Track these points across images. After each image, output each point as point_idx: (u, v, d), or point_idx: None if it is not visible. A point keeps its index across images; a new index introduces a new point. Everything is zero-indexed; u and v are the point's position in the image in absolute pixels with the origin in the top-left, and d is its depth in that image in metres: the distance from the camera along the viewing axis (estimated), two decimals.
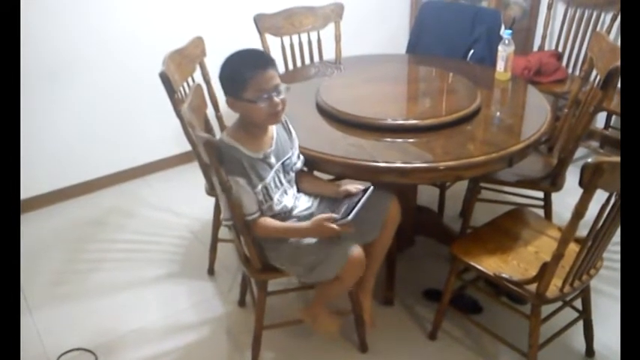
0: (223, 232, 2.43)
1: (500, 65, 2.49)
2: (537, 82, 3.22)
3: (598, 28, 3.32)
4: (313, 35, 2.88)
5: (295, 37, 2.84)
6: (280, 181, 1.84)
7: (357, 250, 1.76)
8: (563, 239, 1.61)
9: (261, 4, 2.90)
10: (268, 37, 2.75)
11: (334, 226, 1.71)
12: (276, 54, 2.75)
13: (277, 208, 1.82)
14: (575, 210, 1.53)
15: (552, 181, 2.28)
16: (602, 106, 2.20)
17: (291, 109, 2.27)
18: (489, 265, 1.86)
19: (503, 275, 1.79)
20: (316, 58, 2.90)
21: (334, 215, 1.74)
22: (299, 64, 2.86)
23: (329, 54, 2.92)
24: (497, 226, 2.06)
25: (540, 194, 2.41)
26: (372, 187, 1.82)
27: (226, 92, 1.72)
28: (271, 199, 1.80)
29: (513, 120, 2.20)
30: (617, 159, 1.43)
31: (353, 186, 1.88)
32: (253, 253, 1.82)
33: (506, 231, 2.03)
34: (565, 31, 3.48)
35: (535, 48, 3.76)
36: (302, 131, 2.02)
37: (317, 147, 1.93)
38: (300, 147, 1.94)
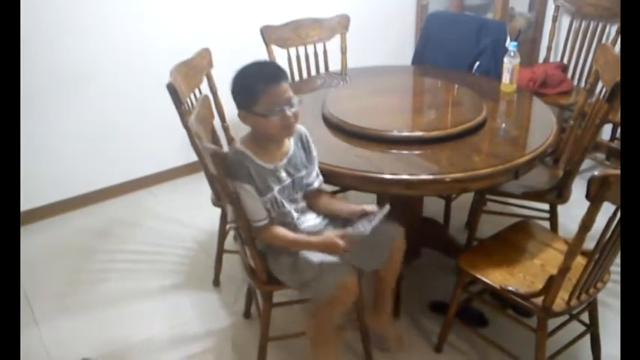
0: (229, 243, 2.43)
1: (505, 77, 2.49)
2: (543, 93, 3.22)
3: (603, 40, 3.32)
4: (319, 47, 2.90)
5: (302, 49, 2.86)
6: (290, 197, 1.83)
7: (349, 278, 1.74)
8: (570, 252, 1.61)
9: (267, 15, 2.92)
10: (275, 48, 2.77)
11: (341, 242, 1.71)
12: (282, 65, 2.77)
13: (287, 219, 1.82)
14: (582, 223, 1.53)
15: (558, 193, 2.27)
16: (608, 119, 2.20)
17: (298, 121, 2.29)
18: (495, 277, 1.85)
19: (510, 288, 1.78)
20: (322, 70, 2.92)
21: (348, 230, 1.74)
22: (305, 75, 2.87)
23: (335, 65, 2.94)
24: (503, 238, 2.06)
25: (546, 206, 2.40)
26: (388, 206, 1.79)
27: (238, 105, 1.71)
28: (279, 207, 1.79)
29: (519, 132, 2.21)
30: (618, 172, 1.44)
31: (369, 205, 1.84)
32: (258, 264, 1.82)
33: (512, 243, 2.03)
34: (570, 42, 3.49)
35: (540, 60, 3.76)
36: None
37: (323, 158, 1.93)
38: None
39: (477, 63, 2.88)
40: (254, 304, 2.24)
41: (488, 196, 2.40)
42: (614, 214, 1.54)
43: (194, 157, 2.07)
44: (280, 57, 2.76)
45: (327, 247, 1.75)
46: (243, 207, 1.73)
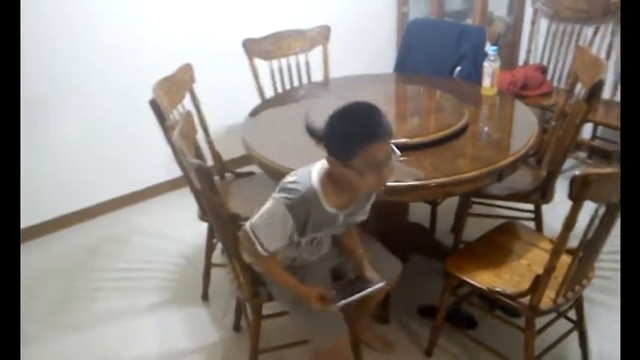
0: (217, 257, 2.43)
1: (486, 81, 2.52)
2: (524, 96, 3.26)
3: (581, 42, 3.38)
4: (301, 58, 2.92)
5: (284, 60, 2.88)
6: (328, 238, 1.79)
7: (341, 342, 1.74)
8: (555, 251, 1.63)
9: (248, 28, 2.94)
10: (257, 61, 2.79)
11: (317, 305, 1.65)
12: (265, 77, 2.80)
13: (300, 254, 1.76)
14: (565, 222, 1.55)
15: (542, 193, 2.30)
16: (588, 118, 2.24)
17: (281, 131, 2.31)
18: (483, 279, 1.86)
19: (497, 289, 1.80)
20: (305, 80, 2.94)
21: (329, 293, 1.67)
22: (288, 86, 2.89)
23: (318, 76, 2.96)
24: (489, 240, 2.07)
25: (531, 207, 2.43)
26: (381, 284, 1.73)
27: (330, 152, 1.50)
28: (311, 245, 1.73)
29: (501, 134, 2.23)
30: (605, 170, 1.46)
31: (372, 273, 1.78)
32: (246, 278, 1.82)
33: (498, 245, 2.05)
34: (549, 45, 3.54)
35: (520, 62, 3.81)
36: (292, 153, 2.03)
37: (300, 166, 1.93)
38: (284, 167, 1.94)
39: (458, 68, 2.91)
40: (243, 317, 2.23)
41: (473, 199, 2.43)
42: (596, 211, 1.57)
43: (179, 173, 2.07)
44: (263, 69, 2.78)
45: (308, 300, 1.67)
46: (260, 225, 1.58)
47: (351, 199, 1.63)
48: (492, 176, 1.93)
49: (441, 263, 2.02)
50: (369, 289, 1.70)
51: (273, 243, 1.60)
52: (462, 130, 2.15)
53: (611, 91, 3.31)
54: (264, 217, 1.57)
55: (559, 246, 1.61)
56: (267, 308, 1.94)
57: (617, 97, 3.31)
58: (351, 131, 1.45)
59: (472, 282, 1.86)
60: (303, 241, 1.67)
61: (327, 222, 1.63)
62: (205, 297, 2.54)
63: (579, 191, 1.46)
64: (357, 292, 1.68)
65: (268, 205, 1.56)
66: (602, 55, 3.28)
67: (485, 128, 2.30)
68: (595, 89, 2.07)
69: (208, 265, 2.48)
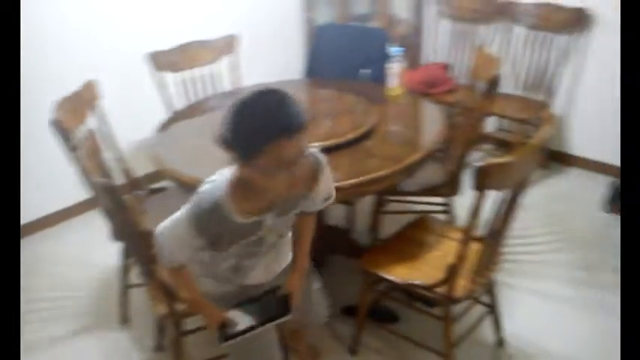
0: (133, 277, 2.36)
1: (392, 81, 2.60)
2: (429, 93, 3.39)
3: (478, 40, 3.56)
4: (210, 68, 2.89)
5: (193, 71, 2.84)
6: (258, 246, 1.50)
7: None
8: (464, 240, 1.70)
9: (154, 40, 2.88)
10: (165, 73, 2.74)
11: (214, 333, 1.52)
12: (175, 89, 2.75)
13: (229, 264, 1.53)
14: (471, 211, 1.62)
15: (451, 186, 2.40)
16: (489, 112, 2.36)
17: (192, 144, 2.27)
18: (399, 274, 1.91)
19: (413, 282, 1.86)
20: (216, 90, 2.91)
21: (234, 322, 1.52)
22: (199, 97, 2.85)
23: (228, 85, 2.94)
24: (403, 235, 2.13)
25: (443, 200, 2.53)
26: (288, 317, 1.58)
27: (231, 151, 1.28)
28: (237, 260, 1.52)
29: (410, 132, 2.31)
30: (503, 159, 1.54)
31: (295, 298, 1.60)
32: (164, 294, 1.77)
33: (412, 239, 2.11)
34: (450, 43, 3.71)
35: (425, 62, 3.96)
36: (205, 165, 2.01)
37: None
38: (200, 180, 1.91)
39: (365, 70, 2.98)
40: (166, 335, 2.18)
41: (388, 197, 2.49)
42: (500, 199, 1.66)
43: (87, 194, 1.99)
44: (172, 81, 2.74)
45: (205, 317, 1.56)
46: (165, 235, 1.42)
47: (271, 201, 1.40)
48: (402, 173, 1.99)
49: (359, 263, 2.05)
50: (261, 328, 1.54)
51: (177, 255, 1.44)
52: (372, 131, 2.20)
53: (509, 84, 3.51)
54: (170, 227, 1.41)
55: (467, 234, 1.68)
56: (188, 324, 1.90)
57: (517, 91, 3.52)
58: (252, 127, 1.21)
59: (388, 277, 1.91)
60: (231, 251, 1.47)
61: (247, 232, 1.41)
62: (125, 320, 2.45)
63: (481, 181, 1.53)
64: (263, 321, 1.54)
65: (178, 214, 1.39)
66: (499, 51, 3.48)
67: (394, 127, 2.37)
68: (492, 84, 2.19)
69: (125, 286, 2.40)
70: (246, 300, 1.56)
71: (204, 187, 1.38)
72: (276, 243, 1.55)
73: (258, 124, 1.21)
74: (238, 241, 1.44)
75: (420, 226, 2.18)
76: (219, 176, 1.39)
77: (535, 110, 3.29)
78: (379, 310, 2.26)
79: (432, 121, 2.32)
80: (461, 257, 1.72)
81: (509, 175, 1.60)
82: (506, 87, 3.51)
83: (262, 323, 1.54)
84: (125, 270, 2.36)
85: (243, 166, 1.29)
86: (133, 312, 2.46)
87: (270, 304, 1.58)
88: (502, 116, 3.48)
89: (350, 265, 2.57)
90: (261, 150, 1.21)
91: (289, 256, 1.68)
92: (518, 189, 1.69)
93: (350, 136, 2.12)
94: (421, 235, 2.13)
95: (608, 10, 3.15)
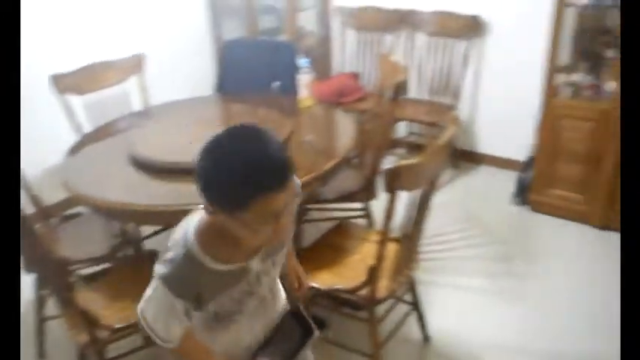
0: (50, 309, 2.25)
1: (303, 92, 2.65)
2: (341, 103, 3.47)
3: (383, 48, 3.69)
4: (119, 88, 2.82)
5: (100, 93, 2.76)
6: (252, 291, 1.32)
7: None
8: (381, 241, 1.76)
9: (58, 63, 2.79)
10: (70, 96, 2.65)
11: None
12: (82, 113, 2.67)
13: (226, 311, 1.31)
14: (385, 212, 1.68)
15: (368, 191, 2.46)
16: (398, 117, 2.45)
17: (104, 166, 2.21)
18: (322, 280, 1.95)
19: (336, 287, 1.89)
20: (125, 111, 2.84)
21: None
22: (107, 119, 2.77)
23: (138, 105, 2.88)
24: (323, 243, 2.17)
25: (361, 205, 2.59)
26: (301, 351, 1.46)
27: (209, 200, 1.09)
28: (225, 313, 1.31)
29: (322, 141, 2.36)
30: (412, 161, 1.62)
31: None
32: (82, 322, 1.71)
33: (332, 246, 2.15)
34: (357, 53, 3.82)
35: (334, 72, 4.05)
36: (117, 187, 1.96)
37: (134, 199, 1.88)
38: (116, 202, 1.87)
39: (275, 83, 3.02)
40: None
41: (307, 206, 2.52)
42: (414, 200, 1.73)
43: None
44: (78, 104, 2.65)
45: None
46: (149, 313, 1.23)
47: (253, 248, 1.24)
48: (317, 182, 2.03)
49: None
50: (304, 348, 1.44)
51: (170, 330, 1.23)
52: (286, 142, 2.23)
53: (417, 90, 3.66)
54: (150, 303, 1.22)
55: (384, 236, 1.74)
56: (115, 349, 1.84)
57: (424, 96, 3.67)
58: (239, 178, 1.03)
59: (312, 284, 1.93)
60: (223, 303, 1.27)
61: (233, 279, 1.23)
62: (42, 355, 2.33)
63: (391, 183, 1.60)
64: (293, 354, 1.41)
65: (152, 286, 1.22)
66: (404, 59, 3.63)
67: (308, 137, 2.41)
68: (397, 90, 2.28)
69: (40, 319, 2.28)
70: (263, 344, 1.40)
71: (173, 241, 1.21)
72: (265, 298, 1.38)
73: (240, 181, 1.03)
74: (226, 291, 1.24)
75: (339, 232, 2.23)
76: (186, 224, 1.21)
77: (442, 113, 3.45)
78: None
79: (344, 129, 2.39)
80: (380, 258, 1.78)
81: (419, 175, 1.68)
82: (414, 92, 3.66)
83: (292, 356, 1.42)
84: (40, 302, 2.25)
85: (224, 217, 1.09)
86: (50, 345, 2.35)
87: (289, 333, 1.45)
88: (411, 120, 3.62)
89: None
90: (247, 204, 1.04)
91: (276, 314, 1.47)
92: (429, 188, 1.77)
93: None
94: (341, 240, 2.18)
95: (500, 17, 3.36)
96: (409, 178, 1.64)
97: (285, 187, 1.06)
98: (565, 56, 2.98)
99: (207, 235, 1.17)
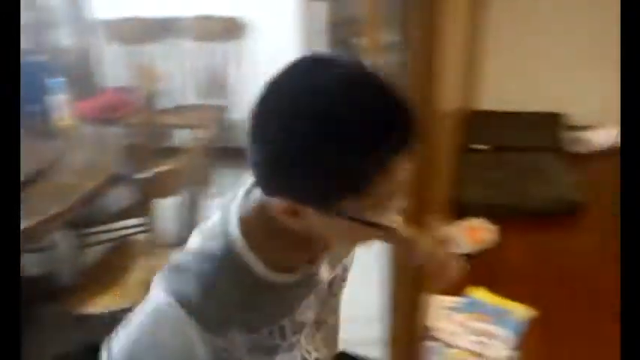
0: None
1: (60, 113, 2.48)
2: (114, 118, 3.32)
3: (150, 60, 3.63)
4: None
5: None
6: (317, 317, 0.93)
7: None
8: (155, 253, 1.73)
9: None
10: None
11: None
12: None
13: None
14: (152, 222, 1.66)
15: (143, 205, 2.40)
16: (165, 124, 2.42)
17: None
18: (103, 304, 1.86)
19: (118, 309, 1.82)
20: None
21: None
22: None
23: None
24: (102, 265, 2.08)
25: (141, 220, 2.51)
26: None
27: (286, 190, 0.70)
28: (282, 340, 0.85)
29: (87, 160, 2.24)
30: (164, 168, 1.61)
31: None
32: None
33: (113, 267, 2.06)
34: (124, 67, 3.69)
35: (101, 88, 3.86)
36: None
37: None
38: None
39: (31, 107, 2.79)
40: None
41: (84, 231, 2.38)
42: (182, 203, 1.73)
43: None
44: None
45: None
46: (140, 353, 0.74)
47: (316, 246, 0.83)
48: (84, 203, 1.92)
49: (61, 306, 1.93)
50: None
51: None
52: (41, 173, 2.07)
53: (187, 96, 3.66)
54: (144, 336, 0.75)
55: (155, 246, 1.72)
56: None
57: (198, 100, 3.68)
58: (353, 140, 0.64)
59: (92, 311, 1.84)
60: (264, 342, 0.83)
61: (292, 294, 0.84)
62: None
63: (150, 191, 1.59)
64: None
65: (141, 315, 0.76)
66: (173, 66, 3.60)
67: (69, 159, 2.27)
68: (150, 97, 2.26)
69: None
70: None
71: (204, 241, 0.80)
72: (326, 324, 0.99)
73: (362, 138, 0.64)
74: (288, 311, 0.84)
75: (119, 251, 2.15)
76: (216, 221, 0.81)
77: (213, 116, 3.49)
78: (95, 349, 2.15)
79: (108, 146, 2.30)
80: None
81: (178, 179, 1.68)
82: (188, 99, 3.65)
83: None
84: None
85: (316, 216, 0.70)
86: None
87: None
88: (182, 127, 3.61)
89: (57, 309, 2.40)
90: (371, 180, 0.66)
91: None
92: (195, 191, 1.79)
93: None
94: (122, 260, 2.10)
95: (256, 16, 3.50)
96: (168, 183, 1.63)
97: (412, 146, 0.68)
98: (322, 47, 3.22)
99: (255, 228, 0.77)
